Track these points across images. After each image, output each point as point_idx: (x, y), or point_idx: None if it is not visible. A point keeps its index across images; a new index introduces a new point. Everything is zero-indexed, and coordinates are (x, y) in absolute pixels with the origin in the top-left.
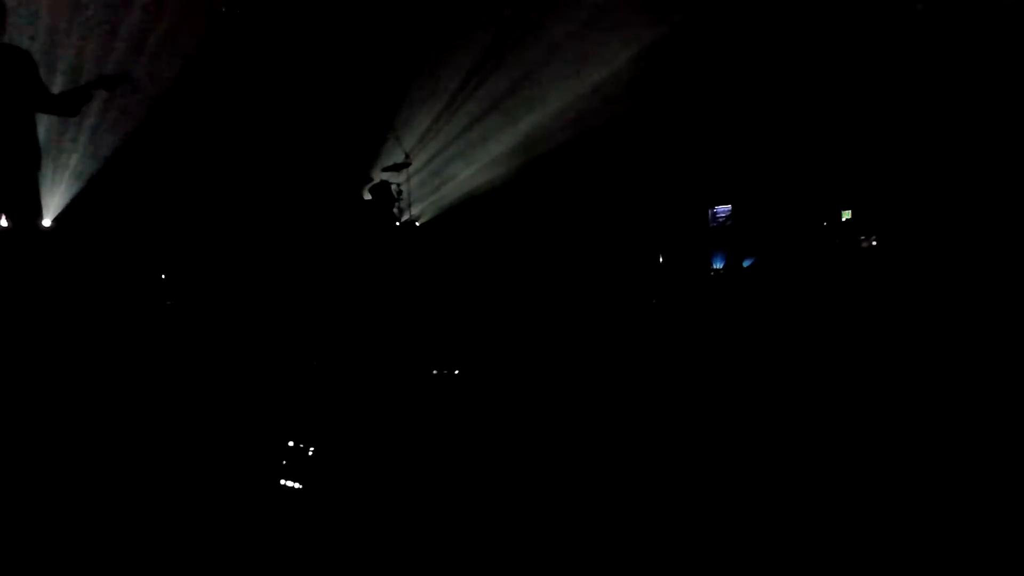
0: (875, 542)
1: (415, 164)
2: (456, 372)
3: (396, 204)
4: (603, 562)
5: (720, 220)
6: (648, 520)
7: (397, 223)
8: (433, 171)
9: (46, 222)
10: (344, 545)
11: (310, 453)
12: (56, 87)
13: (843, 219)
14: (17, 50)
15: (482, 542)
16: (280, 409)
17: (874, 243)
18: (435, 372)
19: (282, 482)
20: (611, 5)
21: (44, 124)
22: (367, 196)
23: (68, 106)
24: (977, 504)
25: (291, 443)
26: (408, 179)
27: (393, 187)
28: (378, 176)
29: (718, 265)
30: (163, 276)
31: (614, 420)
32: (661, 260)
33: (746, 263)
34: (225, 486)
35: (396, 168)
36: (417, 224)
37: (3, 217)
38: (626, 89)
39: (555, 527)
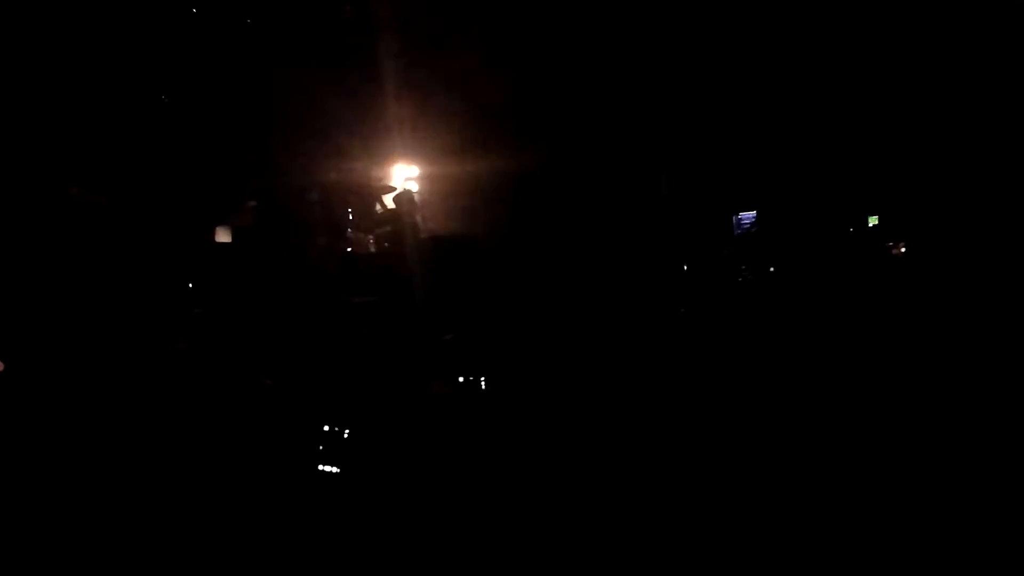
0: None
1: (434, 170)
2: (482, 379)
3: (419, 212)
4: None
5: (745, 227)
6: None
7: (419, 230)
8: (452, 176)
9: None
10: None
11: (345, 436)
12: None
13: (870, 225)
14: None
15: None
16: (315, 396)
17: (903, 249)
18: (461, 379)
19: (320, 467)
20: (639, 6)
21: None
22: (391, 204)
23: None
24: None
25: (327, 427)
26: (428, 186)
27: (416, 195)
28: (401, 184)
29: (747, 222)
30: (190, 284)
31: (637, 424)
32: (686, 268)
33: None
34: (265, 472)
35: (416, 177)
36: (438, 231)
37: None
38: (651, 94)
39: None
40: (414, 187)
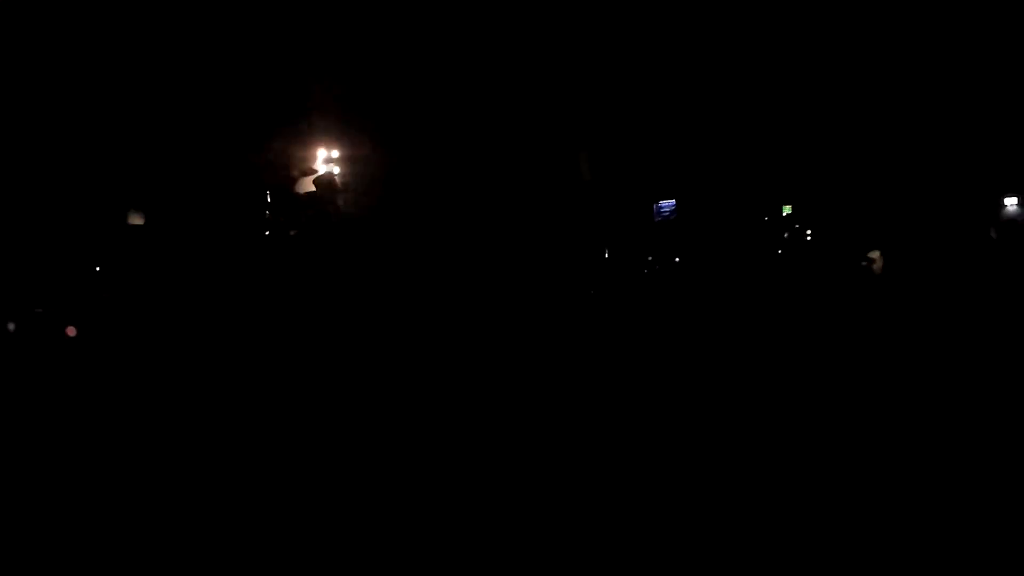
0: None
1: (360, 155)
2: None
3: (340, 195)
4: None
5: (665, 215)
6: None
7: (339, 214)
8: (380, 163)
9: None
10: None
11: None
12: None
13: (784, 213)
14: None
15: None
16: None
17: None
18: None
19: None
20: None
21: None
22: (311, 188)
23: None
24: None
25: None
26: (353, 170)
27: (338, 179)
28: (322, 168)
29: (666, 210)
30: (98, 268)
31: (552, 408)
32: (607, 255)
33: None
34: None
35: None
36: (361, 215)
37: None
38: (575, 87)
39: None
40: (336, 170)
